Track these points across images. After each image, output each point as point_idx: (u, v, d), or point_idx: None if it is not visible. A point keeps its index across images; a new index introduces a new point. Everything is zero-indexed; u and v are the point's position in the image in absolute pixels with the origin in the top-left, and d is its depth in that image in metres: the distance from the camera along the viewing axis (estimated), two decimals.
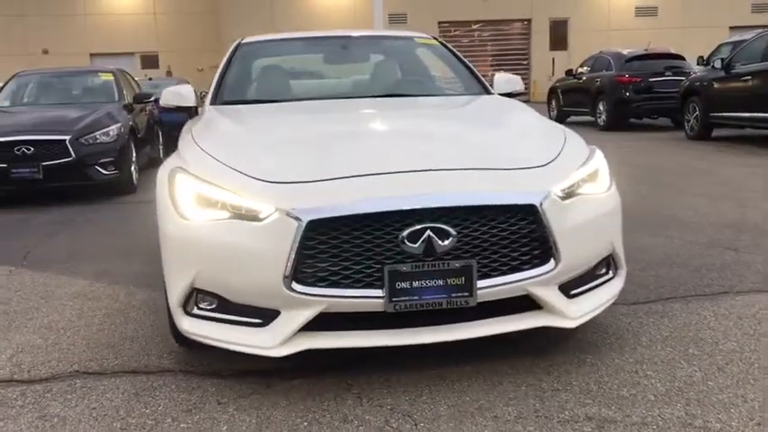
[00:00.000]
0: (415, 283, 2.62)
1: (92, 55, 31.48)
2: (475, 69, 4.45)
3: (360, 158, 2.91)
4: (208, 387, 2.89)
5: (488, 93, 4.29)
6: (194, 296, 2.80)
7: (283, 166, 2.84)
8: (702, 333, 3.29)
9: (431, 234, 2.60)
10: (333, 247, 2.60)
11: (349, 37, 4.84)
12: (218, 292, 2.74)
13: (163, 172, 3.10)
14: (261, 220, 2.63)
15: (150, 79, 17.44)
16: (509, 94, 4.51)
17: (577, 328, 3.19)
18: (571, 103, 16.33)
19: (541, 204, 2.72)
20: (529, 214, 2.72)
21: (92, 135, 7.95)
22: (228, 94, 4.12)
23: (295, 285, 2.59)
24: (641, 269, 4.36)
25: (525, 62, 31.03)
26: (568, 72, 16.85)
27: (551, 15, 30.55)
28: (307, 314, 2.63)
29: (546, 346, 3.13)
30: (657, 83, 14.21)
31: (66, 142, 7.71)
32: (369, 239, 2.60)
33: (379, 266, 2.60)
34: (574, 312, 2.88)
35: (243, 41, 4.64)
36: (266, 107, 3.92)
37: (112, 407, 2.75)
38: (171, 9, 32.29)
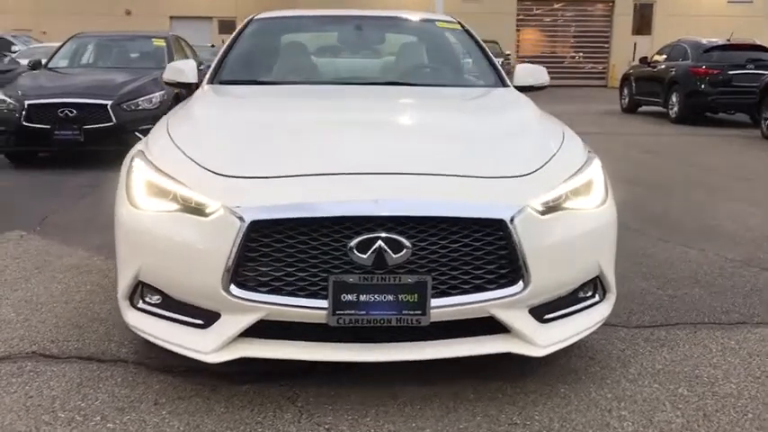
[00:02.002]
0: (363, 297, 2.41)
1: (171, 18, 31.98)
2: (493, 59, 4.14)
3: (325, 155, 2.70)
4: (153, 383, 2.77)
5: (504, 85, 3.98)
6: (140, 289, 2.67)
7: (242, 159, 2.66)
8: (701, 369, 2.97)
9: (382, 245, 2.38)
10: (276, 251, 2.41)
11: (365, 17, 4.59)
12: (161, 287, 2.60)
13: (129, 154, 2.98)
14: (207, 215, 2.47)
15: (212, 46, 17.52)
16: (530, 87, 4.20)
17: (563, 351, 2.95)
18: (643, 92, 15.56)
19: (512, 220, 2.46)
20: (496, 230, 2.46)
21: (134, 101, 7.97)
22: (227, 73, 3.96)
23: (234, 289, 2.42)
24: (659, 286, 4.02)
25: (606, 45, 29.85)
26: (642, 60, 16.03)
27: None
28: (246, 320, 2.46)
29: (523, 369, 2.87)
30: (737, 76, 13.34)
31: (108, 107, 7.76)
32: (315, 246, 2.40)
33: (324, 276, 2.40)
34: (543, 339, 2.61)
35: (256, 17, 4.46)
36: (258, 90, 3.75)
37: (50, 396, 2.66)
38: None
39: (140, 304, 2.68)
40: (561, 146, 2.92)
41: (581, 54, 30.86)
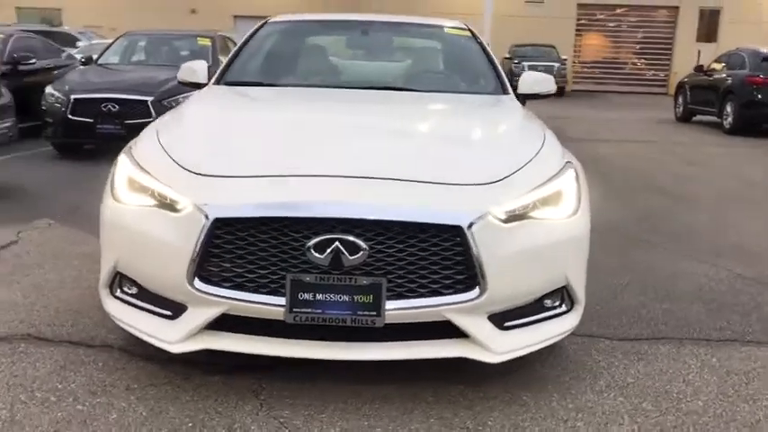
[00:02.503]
0: (319, 296, 2.49)
1: (235, 17, 32.56)
2: (498, 66, 4.16)
3: (294, 157, 2.79)
4: (131, 370, 2.90)
5: (504, 93, 4.00)
6: (118, 279, 2.80)
7: (215, 159, 2.77)
8: (673, 385, 2.94)
9: (339, 246, 2.45)
10: (239, 248, 2.51)
11: (376, 23, 4.66)
12: (136, 278, 2.73)
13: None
14: (178, 211, 2.58)
15: None
16: (536, 95, 4.21)
17: (535, 359, 2.98)
18: (698, 101, 15.16)
19: (470, 226, 2.50)
20: (454, 236, 2.50)
21: (174, 98, 8.21)
22: (233, 74, 4.09)
23: (197, 283, 2.53)
24: (658, 299, 3.97)
25: (668, 52, 29.13)
26: (698, 68, 15.63)
27: (702, 4, 28.40)
28: (209, 314, 2.57)
29: (489, 375, 2.89)
30: None
31: (149, 103, 8.04)
32: (275, 244, 2.49)
33: (283, 274, 2.49)
34: (500, 346, 2.64)
35: (270, 20, 4.59)
36: (256, 91, 3.87)
37: (32, 377, 2.82)
38: None
39: (118, 293, 2.81)
40: (536, 155, 2.93)
41: (642, 61, 30.21)
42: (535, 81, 4.18)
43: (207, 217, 2.49)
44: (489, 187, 2.66)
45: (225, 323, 2.61)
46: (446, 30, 4.56)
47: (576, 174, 2.95)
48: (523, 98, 4.20)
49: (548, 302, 2.80)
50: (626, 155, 10.11)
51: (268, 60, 4.29)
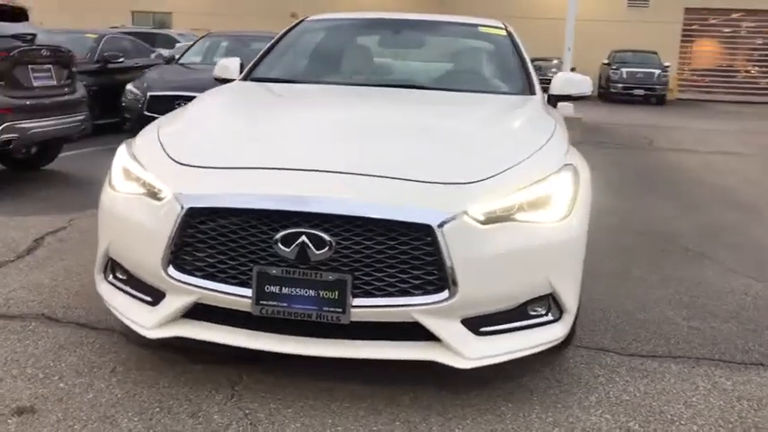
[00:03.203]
0: (285, 290, 2.48)
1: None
2: (529, 67, 4.02)
3: (275, 151, 2.79)
4: (123, 353, 2.98)
5: (531, 93, 3.86)
6: (110, 264, 2.89)
7: (200, 150, 2.81)
8: (671, 406, 2.75)
9: (305, 240, 2.43)
10: (210, 238, 2.53)
11: (407, 21, 4.60)
12: (123, 264, 2.81)
13: None
14: (160, 200, 2.63)
15: None
16: (568, 97, 4.05)
17: (529, 369, 2.91)
18: None
19: (441, 226, 2.42)
20: (425, 235, 2.43)
21: None
22: (261, 70, 4.14)
23: (172, 270, 2.57)
24: (689, 316, 3.74)
25: None
26: None
27: None
28: (182, 302, 2.60)
29: (475, 383, 2.80)
30: None
31: None
32: (244, 236, 2.50)
33: (251, 266, 2.50)
34: (473, 352, 2.54)
35: (307, 18, 4.63)
36: (272, 87, 3.90)
37: (30, 354, 2.95)
38: None
39: (110, 278, 2.90)
40: (529, 157, 2.81)
41: (756, 68, 28.66)
42: (567, 82, 4.03)
43: (182, 206, 2.53)
44: (469, 187, 2.57)
45: (204, 313, 2.64)
46: (480, 29, 4.45)
47: (574, 177, 2.80)
48: (555, 100, 4.05)
49: (532, 310, 2.68)
50: (709, 166, 9.59)
51: (296, 57, 4.33)
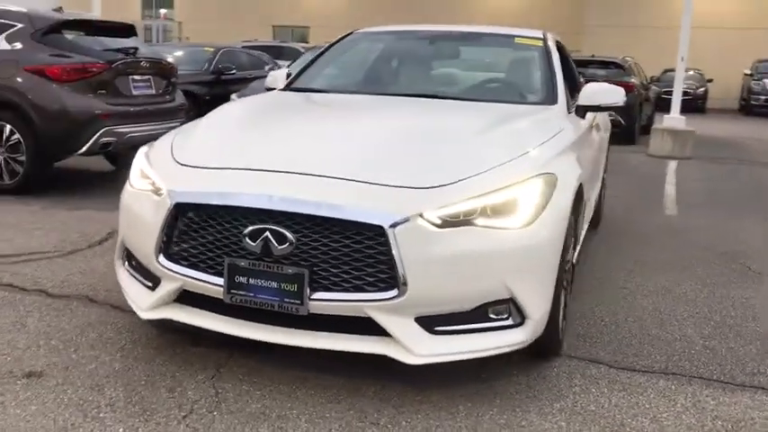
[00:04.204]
0: (252, 281, 2.70)
1: None
2: (557, 77, 4.02)
3: (262, 154, 3.02)
4: (137, 332, 3.31)
5: (553, 103, 3.87)
6: (125, 252, 3.24)
7: (199, 152, 3.09)
8: (637, 420, 2.72)
9: (269, 236, 2.65)
10: (193, 231, 2.81)
11: (445, 33, 4.71)
12: (132, 252, 3.14)
13: None
14: (159, 196, 2.94)
15: None
16: (597, 108, 4.02)
17: (506, 373, 3.00)
18: None
19: (394, 227, 2.56)
20: (378, 235, 2.58)
21: None
22: (302, 80, 4.40)
23: (161, 259, 2.86)
24: (710, 335, 3.62)
25: None
26: None
27: None
28: (171, 287, 2.90)
29: (445, 381, 2.91)
30: None
31: None
32: (219, 230, 2.75)
33: (224, 257, 2.74)
34: (423, 349, 2.65)
35: (356, 30, 4.85)
36: (299, 96, 4.14)
37: (61, 328, 3.35)
38: None
39: (125, 265, 3.24)
40: (502, 164, 2.87)
41: None
42: (596, 92, 4.00)
43: (172, 201, 2.82)
44: (428, 191, 2.69)
45: (193, 299, 2.91)
46: (515, 40, 4.49)
47: (545, 186, 2.83)
48: (583, 110, 4.04)
49: (493, 313, 2.74)
50: None
51: (335, 68, 4.56)
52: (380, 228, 2.57)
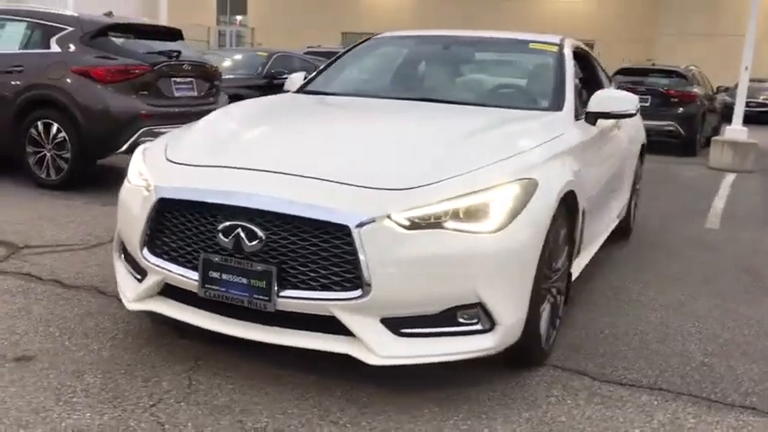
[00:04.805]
0: (225, 276, 2.76)
1: None
2: (566, 83, 3.94)
3: (245, 153, 3.09)
4: (133, 323, 3.41)
5: (558, 109, 3.80)
6: (121, 245, 3.35)
7: (186, 150, 3.18)
8: None
9: (240, 232, 2.71)
10: (173, 226, 2.90)
11: (461, 38, 4.67)
12: (125, 245, 3.25)
13: None
14: (149, 191, 3.05)
15: None
16: (607, 114, 3.94)
17: (489, 379, 2.99)
18: None
19: (360, 226, 2.58)
20: (345, 235, 2.60)
21: None
22: (315, 83, 4.47)
23: (145, 252, 2.96)
24: (712, 353, 3.48)
25: None
26: None
27: None
28: (154, 280, 2.99)
29: (426, 384, 2.91)
30: None
31: None
32: (196, 225, 2.83)
33: (200, 252, 2.81)
34: (387, 350, 2.65)
35: (376, 35, 4.88)
36: (304, 99, 4.20)
37: (62, 316, 3.49)
38: None
39: (122, 257, 3.36)
40: (480, 168, 2.85)
41: None
42: (606, 100, 3.91)
43: (156, 196, 2.91)
44: (398, 192, 2.69)
45: (175, 292, 2.99)
46: (530, 45, 4.43)
47: (522, 192, 2.80)
48: (593, 117, 3.95)
49: (461, 317, 2.72)
50: None
51: (348, 72, 4.60)
52: (346, 227, 2.59)
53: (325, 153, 3.06)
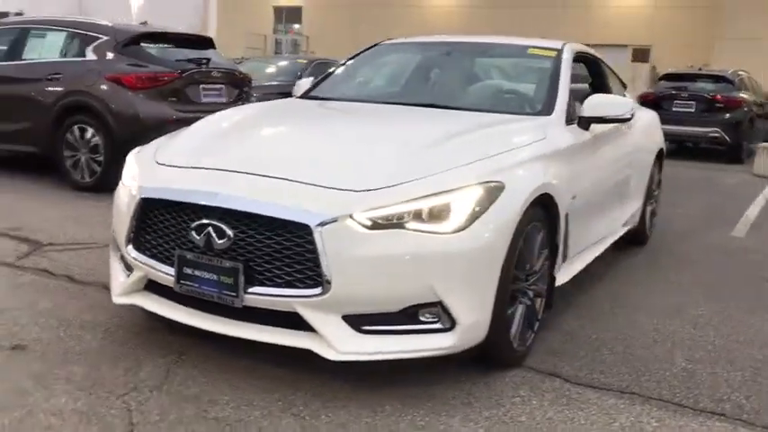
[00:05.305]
0: (197, 272, 2.89)
1: (586, 45, 32.44)
2: (559, 88, 3.95)
3: (224, 155, 3.21)
4: (126, 316, 3.55)
5: (548, 114, 3.83)
6: (115, 243, 3.52)
7: (175, 153, 3.32)
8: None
9: (211, 230, 2.83)
10: (154, 224, 3.05)
11: (463, 44, 4.72)
12: (117, 242, 3.42)
13: None
14: (135, 191, 3.20)
15: None
16: (600, 119, 3.94)
17: (466, 377, 3.06)
18: None
19: (321, 226, 2.68)
20: (305, 234, 2.70)
21: None
22: (319, 89, 4.58)
23: (130, 249, 3.12)
24: (698, 359, 3.45)
25: None
26: None
27: None
28: (137, 275, 3.15)
29: (395, 382, 2.98)
30: None
31: None
32: (173, 223, 2.97)
33: (176, 249, 2.95)
34: (346, 347, 2.74)
35: (383, 41, 4.97)
36: (301, 103, 4.32)
37: (63, 308, 3.67)
38: (670, 3, 31.22)
39: (117, 254, 3.52)
40: (447, 170, 2.91)
41: None
42: (599, 104, 3.92)
43: (139, 196, 3.07)
44: (361, 193, 2.77)
45: (158, 288, 3.13)
46: (529, 50, 4.45)
47: (486, 194, 2.84)
48: (586, 122, 3.96)
49: (423, 316, 2.78)
50: None
51: (353, 78, 4.71)
52: (307, 227, 2.69)
53: (298, 155, 3.17)
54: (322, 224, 2.68)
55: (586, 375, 3.19)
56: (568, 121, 3.88)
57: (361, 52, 4.90)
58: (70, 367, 3.03)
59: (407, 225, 2.74)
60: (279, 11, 39.31)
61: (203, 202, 2.86)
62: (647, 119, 5.70)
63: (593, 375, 3.20)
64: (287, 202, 2.76)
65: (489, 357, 3.09)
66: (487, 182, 2.90)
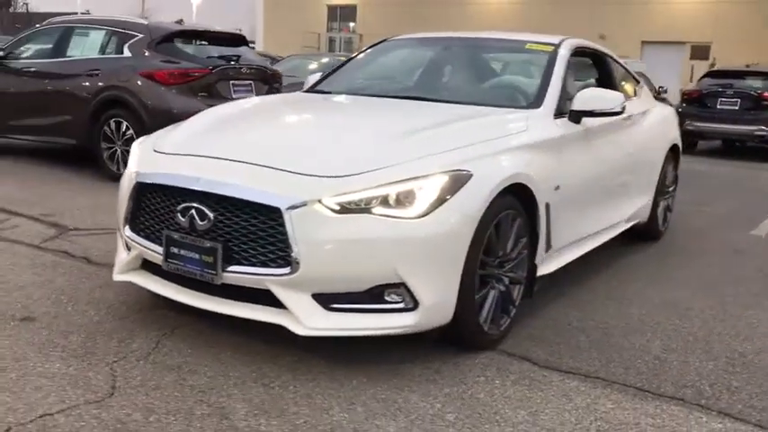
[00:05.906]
0: (182, 252, 3.11)
1: (643, 42, 31.90)
2: (551, 83, 4.04)
3: (213, 143, 3.41)
4: (132, 294, 3.81)
5: (536, 107, 3.92)
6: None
7: (172, 141, 3.55)
8: (514, 412, 2.79)
9: (194, 213, 3.05)
10: (147, 207, 3.28)
11: (462, 39, 4.83)
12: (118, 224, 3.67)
13: None
14: (132, 177, 3.45)
15: None
16: (590, 113, 4.02)
17: (424, 359, 3.21)
18: None
19: (291, 209, 2.86)
20: (277, 216, 2.89)
21: None
22: (325, 83, 4.76)
23: (126, 229, 3.37)
24: (674, 349, 3.52)
25: None
26: None
27: None
28: (134, 254, 3.39)
29: (370, 360, 3.14)
30: None
31: None
32: (162, 206, 3.20)
33: (165, 230, 3.18)
34: (314, 323, 2.91)
35: (387, 39, 5.13)
36: (303, 97, 4.52)
37: (75, 287, 3.95)
38: None
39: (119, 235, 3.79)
40: (417, 159, 3.05)
41: None
42: (591, 98, 3.99)
43: (135, 181, 3.31)
44: (331, 179, 2.94)
45: (152, 266, 3.36)
46: (526, 45, 4.54)
47: (451, 182, 2.98)
48: (576, 115, 4.04)
49: (388, 296, 2.94)
50: None
51: (356, 73, 4.87)
52: (278, 210, 2.87)
53: (278, 143, 3.37)
54: (292, 207, 2.86)
55: (556, 360, 3.29)
56: (559, 115, 3.97)
57: (369, 48, 5.06)
58: (70, 338, 3.28)
59: (374, 210, 2.89)
60: (333, 9, 39.76)
61: (187, 186, 3.07)
62: (661, 114, 5.71)
63: (563, 360, 3.30)
64: (261, 187, 2.95)
65: (459, 338, 3.22)
66: (454, 170, 3.03)
